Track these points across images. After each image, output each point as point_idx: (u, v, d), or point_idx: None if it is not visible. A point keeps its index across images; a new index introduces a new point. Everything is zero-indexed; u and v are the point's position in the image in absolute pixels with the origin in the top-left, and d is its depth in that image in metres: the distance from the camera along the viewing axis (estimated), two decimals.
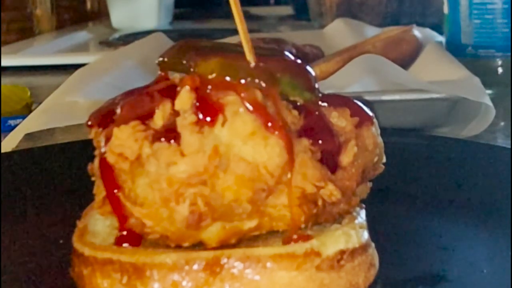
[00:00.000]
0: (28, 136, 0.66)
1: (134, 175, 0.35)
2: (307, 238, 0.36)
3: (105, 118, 0.37)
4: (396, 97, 0.68)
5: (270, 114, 0.35)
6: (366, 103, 0.40)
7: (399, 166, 0.50)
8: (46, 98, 0.69)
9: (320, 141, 0.36)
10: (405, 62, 0.86)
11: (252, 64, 0.36)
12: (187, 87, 0.35)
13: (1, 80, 1.00)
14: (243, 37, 0.36)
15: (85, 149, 0.40)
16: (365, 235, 0.38)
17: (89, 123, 0.38)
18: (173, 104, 0.35)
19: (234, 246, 0.36)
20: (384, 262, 0.39)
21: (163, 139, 0.35)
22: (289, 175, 0.35)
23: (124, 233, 0.37)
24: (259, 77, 0.36)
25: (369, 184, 0.40)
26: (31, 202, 0.51)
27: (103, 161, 0.36)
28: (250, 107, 0.35)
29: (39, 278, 0.40)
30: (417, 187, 0.51)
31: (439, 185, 0.51)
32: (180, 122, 0.35)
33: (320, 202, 0.36)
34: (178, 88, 0.36)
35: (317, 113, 0.37)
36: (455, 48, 0.92)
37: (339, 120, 0.38)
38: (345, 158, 0.37)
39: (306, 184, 0.35)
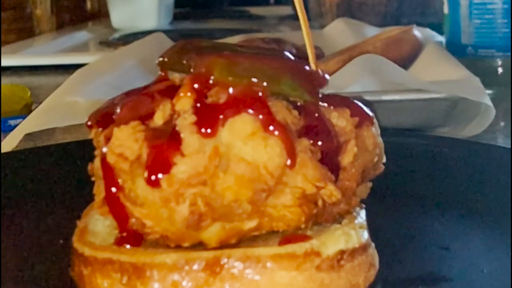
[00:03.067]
0: (28, 136, 0.66)
1: (134, 175, 0.35)
2: (303, 238, 0.36)
3: (105, 118, 0.37)
4: (396, 97, 0.68)
5: (270, 114, 0.35)
6: (366, 103, 0.40)
7: (399, 166, 0.50)
8: (46, 98, 0.69)
9: (320, 142, 0.36)
10: (405, 62, 0.86)
11: (311, 67, 0.36)
12: (187, 88, 0.35)
13: (1, 80, 1.00)
14: (307, 41, 0.37)
15: (85, 149, 0.40)
16: (365, 235, 0.38)
17: (89, 123, 0.38)
18: (173, 104, 0.35)
19: (234, 246, 0.36)
20: (384, 262, 0.39)
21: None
22: (289, 175, 0.35)
23: (124, 234, 0.37)
24: (259, 77, 0.36)
25: (369, 184, 0.40)
26: (31, 202, 0.51)
27: (103, 161, 0.36)
28: (250, 107, 0.35)
29: (39, 278, 0.40)
30: (417, 187, 0.51)
31: (439, 185, 0.51)
32: (180, 123, 0.35)
33: (320, 203, 0.36)
34: (179, 89, 0.36)
35: (317, 113, 0.37)
36: (455, 48, 0.92)
37: (339, 120, 0.38)
38: (345, 158, 0.37)
39: (306, 184, 0.35)
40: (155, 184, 0.34)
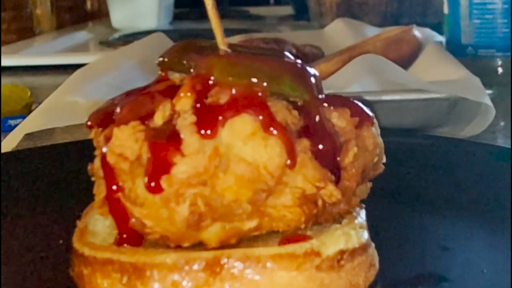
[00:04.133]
0: (28, 136, 0.66)
1: (134, 175, 0.35)
2: (303, 238, 0.36)
3: (105, 118, 0.37)
4: (396, 97, 0.68)
5: (270, 114, 0.35)
6: (366, 103, 0.40)
7: (399, 166, 0.50)
8: (46, 98, 0.69)
9: (320, 142, 0.36)
10: (405, 62, 0.86)
11: (224, 50, 0.36)
12: (187, 88, 0.35)
13: (1, 80, 1.00)
14: (214, 25, 0.37)
15: (85, 149, 0.40)
16: (365, 235, 0.38)
17: (89, 123, 0.38)
18: (173, 104, 0.35)
19: (234, 246, 0.36)
20: (384, 262, 0.39)
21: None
22: (289, 175, 0.35)
23: (124, 236, 0.36)
24: (259, 78, 0.36)
25: (369, 184, 0.40)
26: (31, 202, 0.51)
27: (103, 161, 0.36)
28: (250, 108, 0.35)
29: (39, 278, 0.40)
30: (417, 187, 0.51)
31: (439, 185, 0.51)
32: (180, 123, 0.35)
33: (320, 203, 0.36)
34: (179, 89, 0.36)
35: (317, 113, 0.37)
36: (455, 48, 0.92)
37: (339, 120, 0.38)
38: (345, 158, 0.37)
39: (306, 185, 0.35)
40: (155, 190, 0.34)
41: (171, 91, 0.36)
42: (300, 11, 1.87)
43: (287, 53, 0.40)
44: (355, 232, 0.37)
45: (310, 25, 1.61)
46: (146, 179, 0.34)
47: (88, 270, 0.37)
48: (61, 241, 0.43)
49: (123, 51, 0.98)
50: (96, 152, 0.38)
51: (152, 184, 0.34)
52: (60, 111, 0.66)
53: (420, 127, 0.71)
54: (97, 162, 0.37)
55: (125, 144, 0.35)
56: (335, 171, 0.37)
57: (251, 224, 0.36)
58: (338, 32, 1.19)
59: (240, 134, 0.35)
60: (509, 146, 0.59)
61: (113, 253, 0.36)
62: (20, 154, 0.59)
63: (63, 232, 0.43)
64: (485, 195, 0.48)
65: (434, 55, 0.87)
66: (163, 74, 0.39)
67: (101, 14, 1.97)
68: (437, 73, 0.78)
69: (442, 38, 1.02)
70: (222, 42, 0.38)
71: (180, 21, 1.89)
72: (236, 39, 1.13)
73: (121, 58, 0.90)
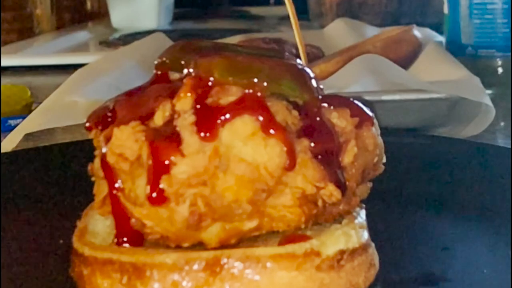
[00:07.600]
0: (28, 136, 0.66)
1: (134, 175, 0.35)
2: (303, 238, 0.36)
3: (104, 119, 0.37)
4: (396, 97, 0.68)
5: (270, 114, 0.35)
6: (366, 103, 0.40)
7: (399, 166, 0.50)
8: (46, 98, 0.69)
9: (320, 142, 0.36)
10: (405, 62, 0.86)
11: (300, 65, 0.36)
12: (187, 88, 0.35)
13: (1, 80, 1.00)
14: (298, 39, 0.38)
15: (85, 149, 0.40)
16: (365, 235, 0.38)
17: (87, 124, 0.38)
18: (173, 105, 0.35)
19: (234, 246, 0.36)
20: (384, 262, 0.39)
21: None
22: (289, 175, 0.35)
23: (125, 239, 0.36)
24: (259, 78, 0.36)
25: (369, 184, 0.40)
26: (31, 202, 0.51)
27: (103, 161, 0.36)
28: (250, 108, 0.35)
29: (39, 278, 0.40)
30: (417, 187, 0.51)
31: (439, 185, 0.51)
32: (180, 123, 0.35)
33: (320, 203, 0.36)
34: (179, 89, 0.36)
35: (317, 113, 0.37)
36: (455, 48, 0.92)
37: (339, 120, 0.38)
38: (345, 159, 0.37)
39: (306, 185, 0.35)
40: (157, 202, 0.34)
41: (171, 91, 0.36)
42: (300, 11, 1.87)
43: (287, 53, 0.40)
44: (355, 232, 0.37)
45: (310, 25, 1.61)
46: (148, 189, 0.34)
47: (88, 270, 0.37)
48: (61, 241, 0.43)
49: (123, 51, 0.98)
50: (96, 152, 0.38)
51: (154, 195, 0.34)
52: (60, 111, 0.66)
53: (420, 127, 0.71)
54: (97, 162, 0.37)
55: (125, 144, 0.35)
56: (337, 171, 0.37)
57: (251, 224, 0.36)
58: (338, 32, 1.19)
59: (240, 134, 0.35)
60: (509, 146, 0.59)
61: (113, 253, 0.36)
62: (20, 154, 0.59)
63: (63, 232, 0.43)
64: (485, 195, 0.48)
65: (434, 55, 0.87)
66: (163, 74, 0.39)
67: (101, 14, 1.97)
68: (437, 73, 0.78)
69: (442, 38, 1.02)
70: (305, 58, 0.38)
71: (180, 21, 1.89)
72: (236, 39, 1.13)
73: (121, 58, 0.90)
